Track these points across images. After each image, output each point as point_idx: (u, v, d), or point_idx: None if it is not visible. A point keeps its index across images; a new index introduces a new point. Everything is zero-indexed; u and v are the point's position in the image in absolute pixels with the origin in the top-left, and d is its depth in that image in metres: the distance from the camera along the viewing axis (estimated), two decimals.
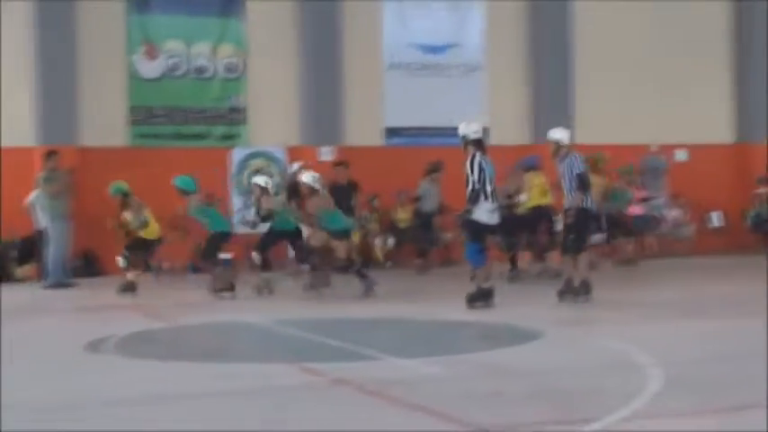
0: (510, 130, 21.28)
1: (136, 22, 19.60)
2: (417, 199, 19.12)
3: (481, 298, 12.92)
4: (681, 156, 22.69)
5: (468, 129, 12.98)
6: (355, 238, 16.67)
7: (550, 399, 7.51)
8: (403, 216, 20.19)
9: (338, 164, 18.01)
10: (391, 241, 19.70)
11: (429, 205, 18.74)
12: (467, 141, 12.92)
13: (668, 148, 22.60)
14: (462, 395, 7.60)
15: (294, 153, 19.71)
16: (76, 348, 10.15)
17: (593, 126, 21.80)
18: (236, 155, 19.94)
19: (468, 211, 12.85)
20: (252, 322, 12.27)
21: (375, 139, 20.79)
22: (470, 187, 12.77)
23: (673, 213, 22.20)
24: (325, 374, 8.61)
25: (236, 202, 19.76)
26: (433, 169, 18.71)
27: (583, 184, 13.42)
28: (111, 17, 19.42)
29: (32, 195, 17.32)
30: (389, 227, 20.19)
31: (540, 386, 7.94)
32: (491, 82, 21.52)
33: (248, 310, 13.36)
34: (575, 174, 13.38)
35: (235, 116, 20.12)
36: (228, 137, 20.07)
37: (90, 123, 19.04)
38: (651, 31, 22.29)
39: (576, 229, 13.60)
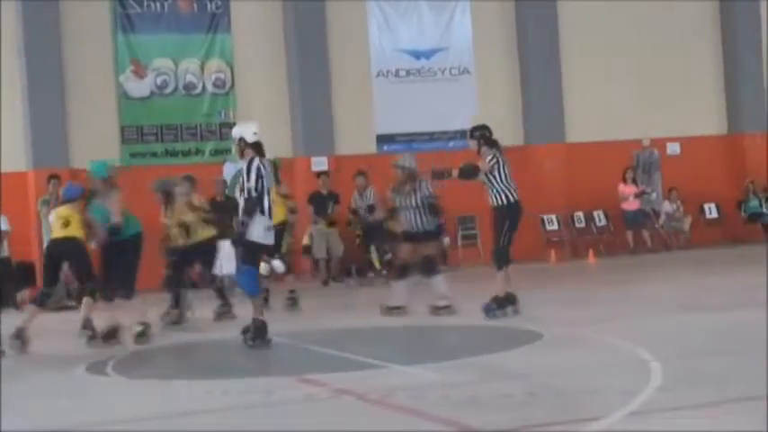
0: (501, 132, 21.24)
1: (123, 42, 19.62)
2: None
3: (262, 333, 10.96)
4: (673, 149, 22.73)
5: (246, 130, 11.14)
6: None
7: (554, 399, 7.52)
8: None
9: (320, 174, 18.15)
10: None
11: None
12: (244, 145, 11.03)
13: (660, 143, 22.64)
14: (467, 400, 7.60)
15: (287, 165, 19.71)
16: (78, 370, 10.13)
17: (584, 124, 21.87)
18: (228, 169, 19.92)
19: (245, 224, 10.95)
20: None
21: (367, 146, 20.80)
22: (246, 196, 10.93)
23: (667, 207, 22.24)
24: (326, 385, 8.59)
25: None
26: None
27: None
28: (99, 39, 19.46)
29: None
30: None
31: (543, 387, 7.94)
32: (480, 84, 21.55)
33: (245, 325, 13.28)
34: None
35: (225, 131, 20.10)
36: (220, 152, 20.06)
37: (82, 145, 19.05)
38: (638, 26, 22.31)
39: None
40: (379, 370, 9.26)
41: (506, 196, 12.10)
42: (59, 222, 11.81)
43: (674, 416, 6.84)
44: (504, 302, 12.18)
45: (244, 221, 10.95)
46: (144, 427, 7.51)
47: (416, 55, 21.41)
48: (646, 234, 21.69)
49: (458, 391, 7.94)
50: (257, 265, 11.07)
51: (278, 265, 13.61)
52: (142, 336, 11.71)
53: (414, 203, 12.91)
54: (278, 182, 14.08)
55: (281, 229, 13.79)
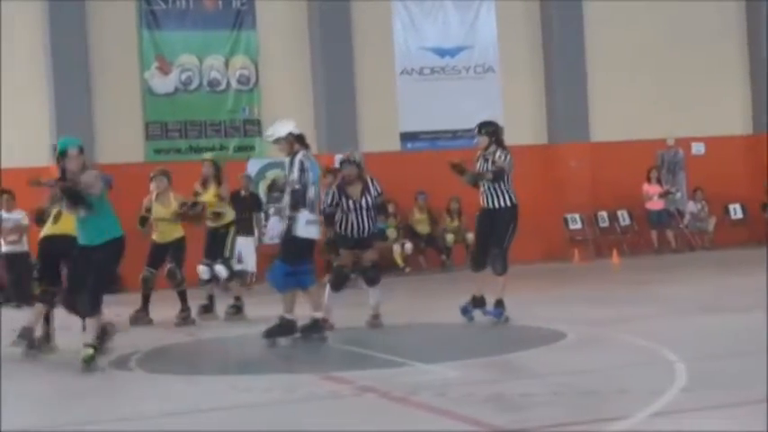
0: (525, 131, 21.27)
1: (148, 38, 19.69)
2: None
3: (282, 332, 10.94)
4: (698, 149, 22.62)
5: (288, 126, 11.02)
6: None
7: (578, 398, 7.49)
8: (420, 218, 20.36)
9: (327, 172, 17.89)
10: (409, 246, 19.73)
11: None
12: (293, 139, 10.95)
13: (685, 142, 22.54)
14: (490, 398, 7.58)
15: None
16: (101, 365, 10.15)
17: (609, 123, 21.79)
18: (252, 166, 19.96)
19: (293, 219, 10.86)
20: None
21: (391, 144, 20.80)
22: (289, 189, 10.91)
23: (691, 207, 22.15)
24: (350, 382, 8.59)
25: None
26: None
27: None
28: (124, 35, 19.54)
29: None
30: (408, 231, 20.23)
31: (567, 386, 7.91)
32: (504, 83, 21.50)
33: (267, 321, 13.27)
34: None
35: (249, 128, 20.17)
36: (244, 149, 20.11)
37: (106, 141, 19.12)
38: (663, 25, 22.21)
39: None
40: (402, 368, 9.26)
41: (512, 198, 11.78)
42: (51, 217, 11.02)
43: (698, 416, 6.81)
44: (479, 303, 11.93)
45: (291, 216, 10.83)
46: (165, 421, 7.52)
47: (441, 53, 21.39)
48: (670, 234, 21.62)
49: (481, 390, 7.92)
50: (291, 262, 10.86)
51: (220, 269, 13.57)
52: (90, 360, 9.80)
53: (364, 204, 11.98)
54: (219, 183, 13.74)
55: (224, 234, 13.66)
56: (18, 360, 10.54)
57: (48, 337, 11.18)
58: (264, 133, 11.36)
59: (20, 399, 8.76)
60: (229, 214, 13.90)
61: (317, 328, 11.06)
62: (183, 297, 13.38)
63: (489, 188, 11.73)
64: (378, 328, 11.82)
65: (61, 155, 9.99)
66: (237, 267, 17.60)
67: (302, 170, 10.84)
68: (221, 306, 13.78)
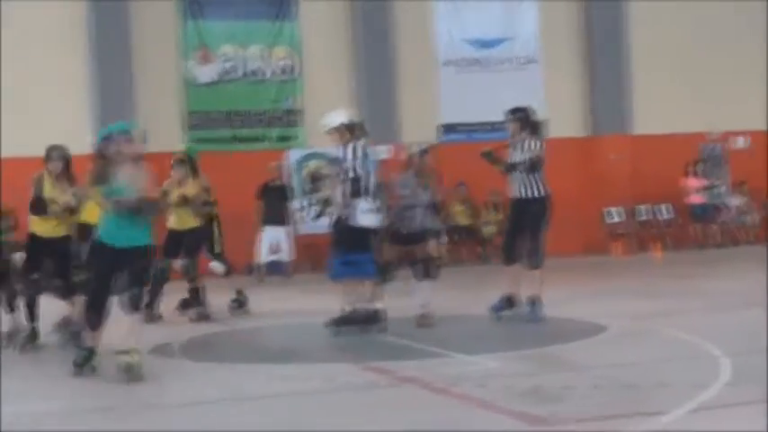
0: (568, 123, 21.17)
1: (190, 28, 19.77)
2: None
3: (344, 322, 10.89)
4: (740, 142, 22.41)
5: (343, 115, 11.07)
6: None
7: (619, 392, 7.45)
8: (460, 209, 20.32)
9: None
10: (444, 239, 19.62)
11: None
12: (345, 128, 10.91)
13: (727, 136, 22.33)
14: (529, 390, 7.55)
15: None
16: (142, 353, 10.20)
17: (651, 115, 21.63)
18: (293, 156, 20.00)
19: (351, 207, 10.76)
20: (311, 322, 12.21)
21: (431, 135, 20.73)
22: (351, 175, 10.75)
23: (735, 201, 21.96)
24: (390, 373, 8.59)
25: (295, 203, 19.80)
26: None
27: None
28: (166, 24, 19.64)
29: None
30: (447, 223, 20.21)
31: (608, 380, 7.87)
32: (546, 75, 21.40)
33: (306, 311, 13.30)
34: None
35: (291, 118, 20.21)
36: (285, 139, 20.17)
37: (148, 130, 19.18)
38: (706, 18, 22.02)
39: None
40: (442, 359, 9.25)
41: (544, 187, 11.45)
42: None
43: (743, 411, 6.74)
44: (511, 303, 11.66)
45: (348, 204, 10.74)
46: (206, 410, 7.55)
47: (483, 44, 21.32)
48: (713, 228, 21.44)
49: (521, 382, 7.90)
50: (345, 250, 10.76)
51: (216, 266, 13.29)
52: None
53: (425, 200, 11.64)
54: (196, 174, 13.12)
55: (210, 229, 13.16)
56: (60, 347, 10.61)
57: (35, 333, 10.71)
58: (320, 123, 11.23)
59: (68, 380, 8.81)
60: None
61: (376, 319, 10.99)
62: (196, 293, 12.97)
63: (520, 177, 11.47)
64: (428, 328, 11.35)
65: (104, 140, 9.12)
66: (273, 258, 17.72)
67: (364, 156, 10.79)
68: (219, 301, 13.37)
